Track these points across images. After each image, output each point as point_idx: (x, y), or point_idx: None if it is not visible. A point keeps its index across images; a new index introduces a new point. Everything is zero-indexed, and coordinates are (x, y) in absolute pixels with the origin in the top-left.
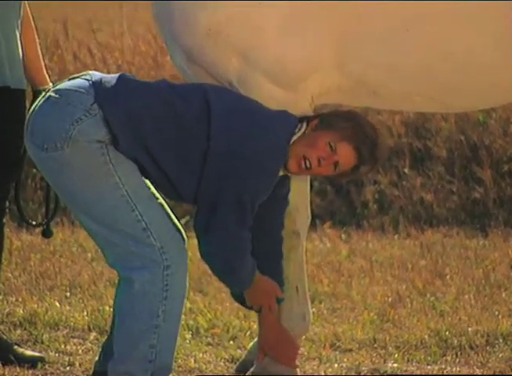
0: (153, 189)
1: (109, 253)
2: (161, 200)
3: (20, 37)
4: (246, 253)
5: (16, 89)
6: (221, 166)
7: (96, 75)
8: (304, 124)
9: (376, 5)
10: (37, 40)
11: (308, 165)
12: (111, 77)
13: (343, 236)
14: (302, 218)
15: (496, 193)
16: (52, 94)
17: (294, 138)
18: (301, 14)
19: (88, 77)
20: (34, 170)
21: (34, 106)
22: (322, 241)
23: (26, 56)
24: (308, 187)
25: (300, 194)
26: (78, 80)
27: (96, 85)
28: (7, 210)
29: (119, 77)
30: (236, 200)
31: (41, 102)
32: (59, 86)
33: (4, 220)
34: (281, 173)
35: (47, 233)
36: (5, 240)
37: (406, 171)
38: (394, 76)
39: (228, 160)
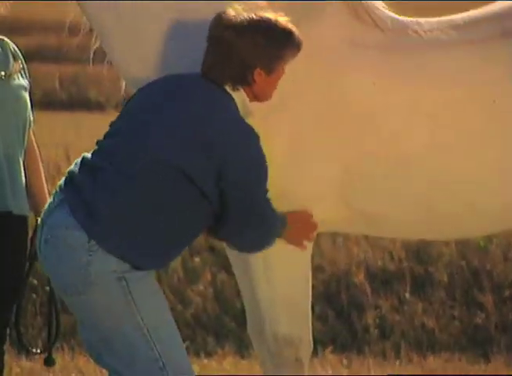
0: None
1: None
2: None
3: (24, 164)
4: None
5: (18, 215)
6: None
7: (67, 190)
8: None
9: (379, 142)
10: (41, 168)
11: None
12: (80, 181)
13: (344, 361)
14: (305, 346)
15: (498, 319)
16: (49, 236)
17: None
18: (306, 147)
19: (60, 197)
20: (34, 295)
21: (38, 247)
22: (323, 368)
23: (30, 183)
24: (310, 315)
25: (302, 323)
26: (58, 208)
27: (77, 213)
28: (7, 337)
29: (88, 180)
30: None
31: (41, 243)
32: (51, 221)
33: (4, 347)
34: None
35: (50, 362)
36: (5, 367)
37: (407, 296)
38: (397, 205)
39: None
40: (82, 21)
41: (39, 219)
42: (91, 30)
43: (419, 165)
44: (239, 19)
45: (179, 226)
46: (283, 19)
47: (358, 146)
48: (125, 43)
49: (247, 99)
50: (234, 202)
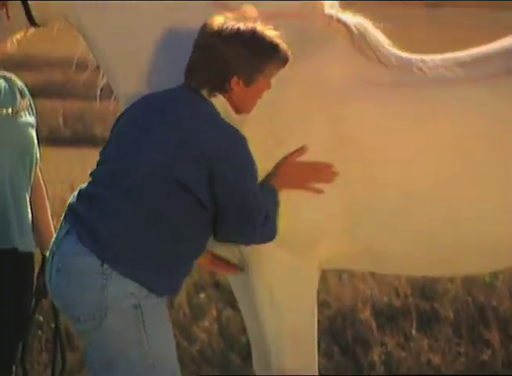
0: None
1: None
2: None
3: (31, 200)
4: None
5: (24, 252)
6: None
7: (71, 221)
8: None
9: (382, 178)
10: (47, 204)
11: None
12: (80, 210)
13: None
14: None
15: (504, 355)
16: (60, 265)
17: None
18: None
19: (66, 228)
20: (40, 332)
21: (48, 278)
22: None
23: (36, 220)
24: (316, 349)
25: (308, 357)
26: (66, 237)
27: (85, 240)
28: (13, 374)
29: (92, 206)
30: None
31: (52, 273)
32: (61, 250)
33: None
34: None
35: None
36: None
37: (413, 332)
38: (401, 241)
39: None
40: (89, 58)
41: (47, 253)
42: (97, 66)
43: (423, 201)
44: (225, 27)
45: (183, 238)
46: (270, 32)
47: (361, 182)
48: (120, 60)
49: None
50: (232, 205)
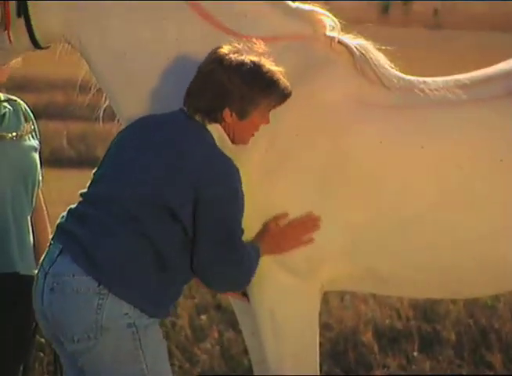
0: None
1: None
2: None
3: (32, 222)
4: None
5: (24, 275)
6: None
7: (63, 240)
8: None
9: (384, 200)
10: (49, 227)
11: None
12: (71, 230)
13: None
14: None
15: None
16: (55, 284)
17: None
18: (313, 204)
19: (58, 246)
20: (42, 354)
21: (39, 297)
22: None
23: (37, 242)
24: (318, 371)
25: None
26: (60, 257)
27: (79, 262)
28: None
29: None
30: (232, 230)
31: (44, 293)
32: (55, 270)
33: None
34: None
35: None
36: None
37: (415, 354)
38: (402, 263)
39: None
40: (91, 80)
41: (35, 271)
42: (100, 88)
43: (424, 223)
44: (228, 56)
45: (173, 262)
46: (272, 67)
47: (362, 204)
48: (120, 83)
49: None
50: (207, 235)
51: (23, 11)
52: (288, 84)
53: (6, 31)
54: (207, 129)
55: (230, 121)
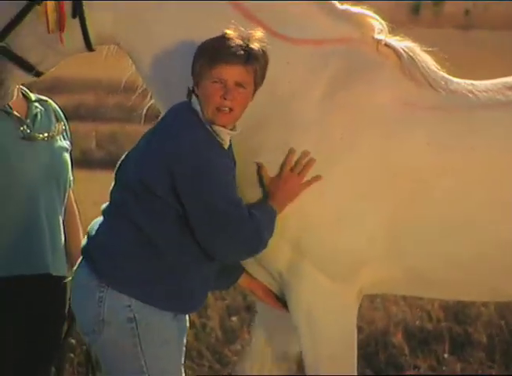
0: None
1: None
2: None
3: (64, 223)
4: (258, 221)
5: (57, 276)
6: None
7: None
8: (193, 96)
9: (431, 202)
10: (80, 227)
11: (223, 108)
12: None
13: None
14: None
15: None
16: (74, 278)
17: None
18: (358, 207)
19: None
20: (72, 355)
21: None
22: None
23: (68, 242)
24: (355, 373)
25: None
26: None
27: (85, 255)
28: None
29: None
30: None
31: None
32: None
33: None
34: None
35: None
36: None
37: (446, 356)
38: (445, 265)
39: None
40: (138, 80)
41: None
42: (133, 89)
43: (472, 226)
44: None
45: (169, 249)
46: (232, 35)
47: (403, 206)
48: (165, 85)
49: None
50: (191, 212)
51: (78, 11)
52: (231, 44)
53: (59, 32)
54: (192, 109)
55: (198, 92)
